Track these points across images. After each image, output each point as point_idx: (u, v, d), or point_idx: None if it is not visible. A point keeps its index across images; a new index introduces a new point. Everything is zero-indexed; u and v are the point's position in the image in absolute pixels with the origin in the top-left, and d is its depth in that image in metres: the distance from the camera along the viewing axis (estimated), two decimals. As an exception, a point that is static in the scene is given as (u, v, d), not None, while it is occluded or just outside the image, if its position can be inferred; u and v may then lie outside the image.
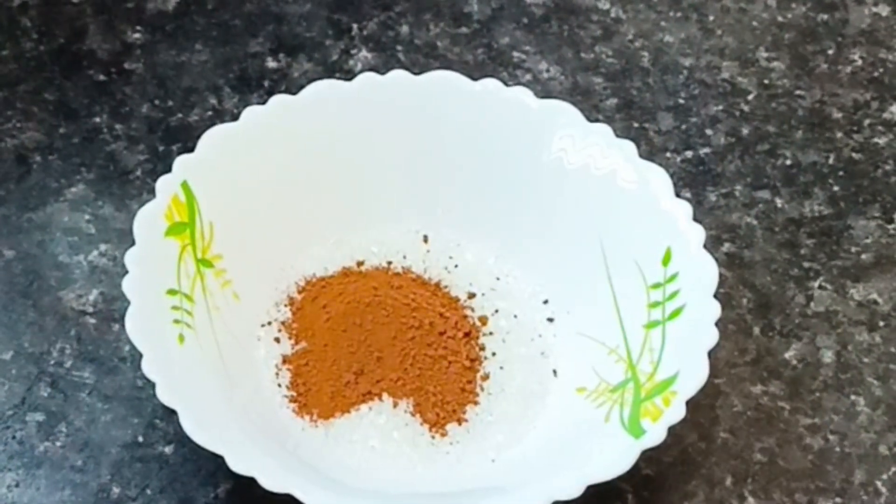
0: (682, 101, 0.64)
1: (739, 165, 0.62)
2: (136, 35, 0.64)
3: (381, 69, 0.59)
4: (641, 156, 0.55)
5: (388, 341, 0.54)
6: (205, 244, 0.53)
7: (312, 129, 0.56)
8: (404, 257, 0.57)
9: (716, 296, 0.51)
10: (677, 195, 0.54)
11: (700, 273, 0.52)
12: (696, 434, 0.53)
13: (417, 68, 0.59)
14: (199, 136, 0.54)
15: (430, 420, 0.53)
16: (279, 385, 0.53)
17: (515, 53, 0.65)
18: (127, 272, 0.51)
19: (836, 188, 0.61)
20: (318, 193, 0.56)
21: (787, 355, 0.56)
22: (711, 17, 0.67)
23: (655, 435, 0.49)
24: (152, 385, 0.48)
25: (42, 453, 0.52)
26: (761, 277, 0.58)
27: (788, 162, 0.62)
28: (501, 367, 0.54)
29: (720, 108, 0.64)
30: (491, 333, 0.55)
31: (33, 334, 0.55)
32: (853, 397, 0.55)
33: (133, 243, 0.51)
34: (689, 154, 0.62)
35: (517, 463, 0.52)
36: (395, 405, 0.53)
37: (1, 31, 0.64)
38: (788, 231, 0.60)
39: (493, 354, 0.54)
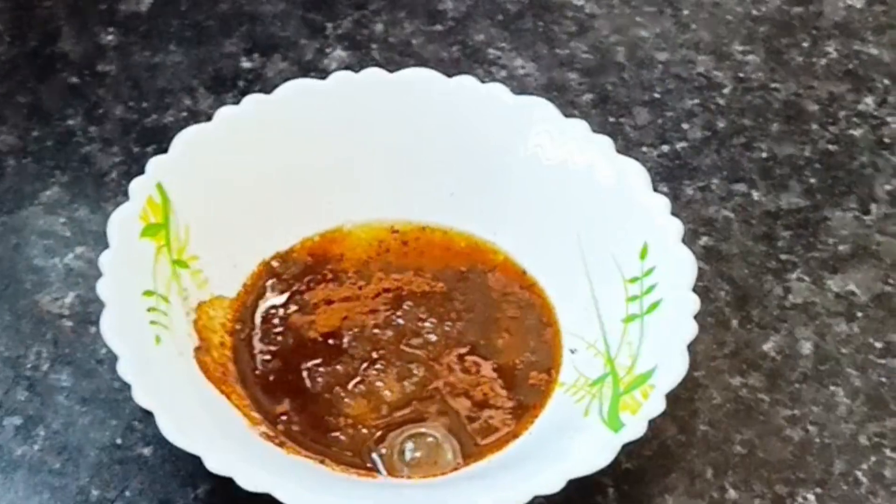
0: (657, 95, 0.64)
1: (716, 159, 0.62)
2: (110, 37, 0.64)
3: (355, 67, 0.59)
4: (618, 150, 0.55)
5: (369, 341, 0.54)
6: (180, 245, 0.53)
7: (287, 129, 0.56)
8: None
9: (694, 289, 0.51)
10: (654, 189, 0.54)
11: (678, 267, 0.52)
12: (675, 427, 0.53)
13: (392, 66, 0.59)
14: (173, 138, 0.54)
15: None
16: (257, 385, 0.53)
17: (490, 50, 0.65)
18: (102, 274, 0.50)
19: (812, 180, 0.61)
20: (293, 193, 0.56)
21: (765, 347, 0.56)
22: (686, 12, 0.67)
23: (635, 428, 0.48)
24: (130, 387, 0.48)
25: (20, 457, 0.52)
26: (739, 270, 0.58)
27: (764, 155, 0.62)
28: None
29: (696, 101, 0.64)
30: (469, 330, 0.55)
31: (9, 338, 0.55)
32: (832, 388, 0.55)
33: (108, 245, 0.51)
34: (665, 148, 0.62)
35: (498, 457, 0.52)
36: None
37: (-27, 34, 0.64)
38: (765, 224, 0.60)
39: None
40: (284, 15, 0.66)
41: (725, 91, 0.64)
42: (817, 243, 0.59)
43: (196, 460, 0.47)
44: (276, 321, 0.54)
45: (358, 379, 0.53)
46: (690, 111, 0.63)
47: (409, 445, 0.51)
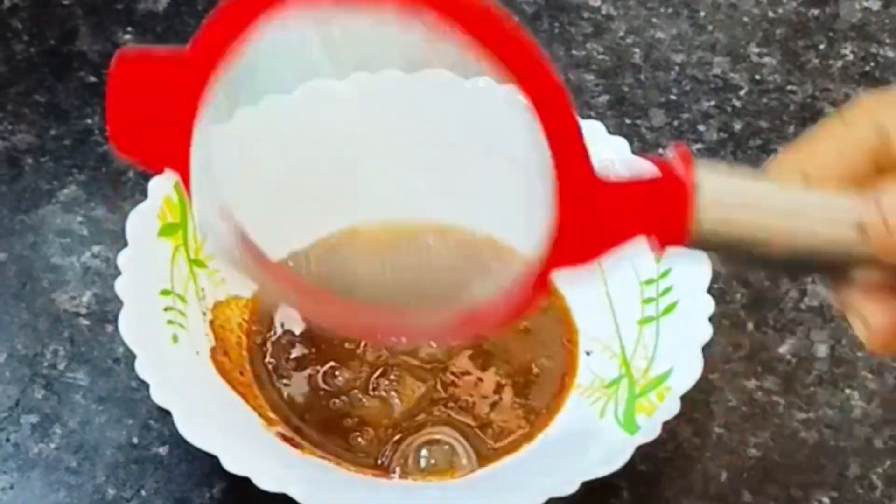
0: (673, 97, 0.64)
1: (732, 161, 0.62)
2: (127, 36, 0.64)
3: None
4: (634, 152, 0.55)
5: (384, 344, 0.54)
6: (198, 245, 0.53)
7: (304, 129, 0.56)
8: (398, 256, 0.57)
9: (709, 291, 0.51)
10: (670, 191, 0.54)
11: (693, 268, 0.52)
12: (690, 429, 0.53)
13: (409, 67, 0.59)
14: (190, 137, 0.54)
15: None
16: (274, 385, 0.53)
17: (507, 51, 0.65)
18: (120, 273, 0.51)
19: (828, 183, 0.61)
20: (309, 193, 0.56)
21: (781, 350, 0.56)
22: (702, 13, 0.67)
23: (650, 431, 0.49)
24: (146, 386, 0.48)
25: (37, 455, 0.52)
26: (755, 272, 0.58)
27: (781, 157, 0.62)
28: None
29: (712, 103, 0.64)
30: (485, 331, 0.55)
31: (27, 336, 0.55)
32: (847, 391, 0.55)
33: (126, 244, 0.51)
34: (681, 150, 0.62)
35: (512, 460, 0.52)
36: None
37: (-9, 33, 0.64)
38: (781, 226, 0.60)
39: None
40: (301, 15, 0.66)
41: (742, 93, 0.64)
42: (833, 246, 0.59)
43: (212, 460, 0.47)
44: (291, 322, 0.54)
45: (373, 383, 0.53)
46: (707, 113, 0.63)
47: (424, 452, 0.51)
